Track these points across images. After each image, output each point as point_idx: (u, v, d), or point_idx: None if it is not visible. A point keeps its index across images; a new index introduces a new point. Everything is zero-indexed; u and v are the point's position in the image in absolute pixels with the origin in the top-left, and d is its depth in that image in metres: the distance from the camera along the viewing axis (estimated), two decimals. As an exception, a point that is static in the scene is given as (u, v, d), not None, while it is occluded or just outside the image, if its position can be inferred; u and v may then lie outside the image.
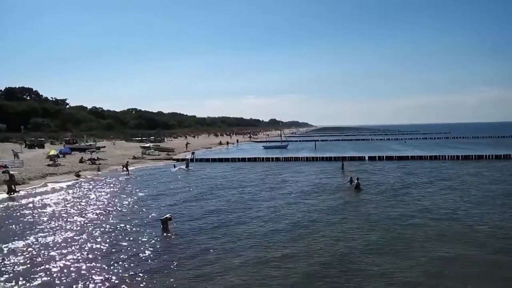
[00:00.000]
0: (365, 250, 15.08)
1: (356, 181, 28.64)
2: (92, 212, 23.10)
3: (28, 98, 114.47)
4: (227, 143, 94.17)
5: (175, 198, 27.17)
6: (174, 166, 45.75)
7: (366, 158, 52.63)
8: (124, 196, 28.24)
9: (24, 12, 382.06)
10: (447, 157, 51.12)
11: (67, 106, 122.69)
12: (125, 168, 42.95)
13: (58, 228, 19.37)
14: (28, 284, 12.48)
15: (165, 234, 18.11)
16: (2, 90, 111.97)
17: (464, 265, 13.47)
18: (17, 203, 25.87)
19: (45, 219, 21.31)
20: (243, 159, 55.34)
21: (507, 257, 14.17)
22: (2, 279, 12.94)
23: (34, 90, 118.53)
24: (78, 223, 20.41)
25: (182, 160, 52.97)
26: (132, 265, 14.10)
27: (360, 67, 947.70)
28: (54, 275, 13.22)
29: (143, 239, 17.21)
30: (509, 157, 49.17)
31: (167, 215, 19.56)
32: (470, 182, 31.19)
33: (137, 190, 30.66)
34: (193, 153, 60.17)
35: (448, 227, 17.99)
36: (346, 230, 17.88)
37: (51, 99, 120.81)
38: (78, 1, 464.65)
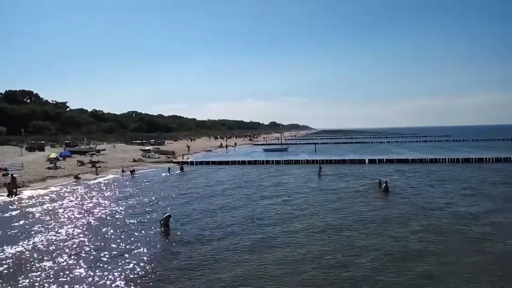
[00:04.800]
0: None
1: (384, 184, 29.01)
2: (91, 214, 23.10)
3: (29, 101, 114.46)
4: (227, 146, 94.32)
5: (175, 199, 27.21)
6: (169, 170, 45.30)
7: (366, 161, 52.64)
8: (124, 198, 28.24)
9: (24, 14, 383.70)
10: (447, 160, 51.10)
11: (68, 109, 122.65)
12: (128, 172, 43.46)
13: (58, 230, 19.34)
14: None
15: (165, 233, 18.16)
16: (3, 93, 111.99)
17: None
18: (18, 206, 25.84)
19: (45, 222, 21.28)
20: (243, 162, 55.34)
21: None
22: (0, 281, 12.91)
23: (34, 93, 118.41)
24: (78, 225, 20.40)
25: (182, 162, 52.82)
26: (133, 265, 14.09)
27: (361, 70, 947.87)
28: (55, 277, 13.18)
29: (143, 240, 17.22)
30: (510, 160, 49.12)
31: (167, 215, 19.61)
32: (471, 184, 31.25)
33: (137, 192, 30.68)
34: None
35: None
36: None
37: (52, 102, 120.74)
38: (78, 3, 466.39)
